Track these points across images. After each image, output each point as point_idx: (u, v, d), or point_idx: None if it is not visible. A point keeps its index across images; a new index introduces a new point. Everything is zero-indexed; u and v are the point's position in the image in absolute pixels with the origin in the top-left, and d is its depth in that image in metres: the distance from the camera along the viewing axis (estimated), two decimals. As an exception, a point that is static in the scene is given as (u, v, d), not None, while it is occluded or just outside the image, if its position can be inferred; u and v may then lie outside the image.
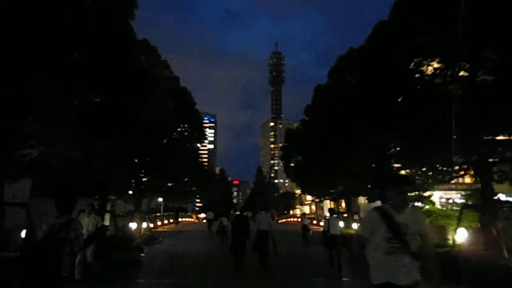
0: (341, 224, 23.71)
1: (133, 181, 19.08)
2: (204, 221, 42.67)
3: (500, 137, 10.49)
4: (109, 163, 12.60)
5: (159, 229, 31.76)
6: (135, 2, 11.28)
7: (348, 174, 18.01)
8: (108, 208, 19.34)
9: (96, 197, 16.90)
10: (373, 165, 16.85)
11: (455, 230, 18.04)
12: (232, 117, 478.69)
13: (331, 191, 25.21)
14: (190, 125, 21.15)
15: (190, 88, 22.77)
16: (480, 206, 10.77)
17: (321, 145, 16.78)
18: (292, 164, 24.78)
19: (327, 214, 13.56)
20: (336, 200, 31.05)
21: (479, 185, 23.48)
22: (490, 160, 10.68)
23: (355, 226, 21.26)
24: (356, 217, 22.48)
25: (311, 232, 18.10)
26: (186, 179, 22.58)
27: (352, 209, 24.88)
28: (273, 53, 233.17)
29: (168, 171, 18.93)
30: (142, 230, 20.54)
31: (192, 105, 21.51)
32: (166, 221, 37.91)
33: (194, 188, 27.46)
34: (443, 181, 15.28)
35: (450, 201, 32.51)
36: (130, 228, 16.11)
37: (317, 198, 40.58)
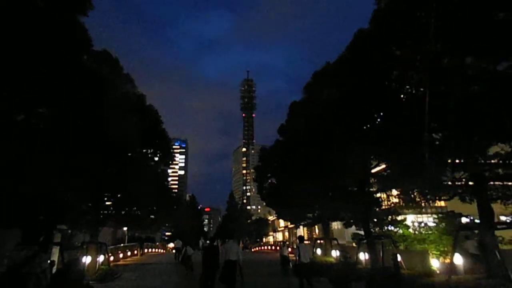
0: (319, 251, 22.54)
1: (88, 206, 16.83)
2: (174, 251, 39.88)
3: (493, 152, 9.72)
4: (45, 183, 10.65)
5: (121, 262, 29.03)
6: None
7: (326, 197, 16.86)
8: (58, 239, 16.91)
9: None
10: (354, 188, 15.82)
11: (440, 256, 17.20)
12: (205, 144, 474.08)
13: (308, 215, 23.91)
14: (155, 146, 19.43)
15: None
16: (480, 227, 9.80)
17: (297, 165, 15.59)
18: (265, 186, 23.28)
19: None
20: (311, 225, 29.72)
21: (449, 209, 23.24)
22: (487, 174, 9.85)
23: (334, 253, 20.00)
24: (334, 243, 21.24)
25: (291, 264, 16.35)
26: (151, 205, 20.46)
27: (329, 235, 23.61)
28: (244, 80, 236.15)
29: (127, 195, 16.89)
30: (98, 264, 18.11)
31: (158, 124, 19.89)
32: (129, 253, 34.93)
33: (158, 215, 25.16)
34: (428, 202, 14.39)
35: (422, 224, 32.40)
36: (79, 263, 13.83)
37: (291, 224, 39.04)
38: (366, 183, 15.83)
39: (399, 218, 26.60)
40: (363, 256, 15.83)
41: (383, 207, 20.26)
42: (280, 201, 20.30)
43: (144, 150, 17.91)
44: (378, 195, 18.08)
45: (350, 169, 14.43)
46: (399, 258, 12.73)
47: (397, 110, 11.44)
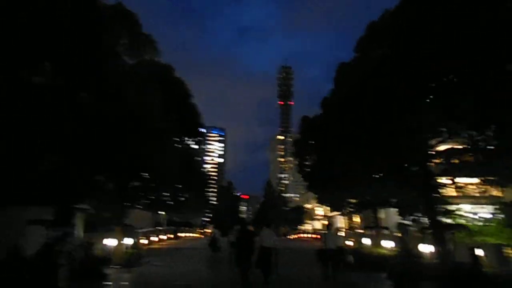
0: (368, 241, 19.88)
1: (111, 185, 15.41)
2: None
3: None
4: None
5: (154, 246, 28.26)
6: None
7: (377, 177, 14.16)
8: (81, 220, 15.76)
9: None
10: (413, 167, 12.94)
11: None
12: (244, 133, 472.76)
13: (352, 200, 21.17)
14: (184, 121, 17.61)
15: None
16: None
17: (343, 137, 12.96)
18: (306, 163, 20.49)
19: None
20: (357, 212, 26.86)
21: (507, 199, 19.84)
22: None
23: (386, 244, 17.26)
24: (385, 232, 18.48)
25: (351, 257, 13.06)
26: (177, 183, 18.77)
27: (378, 223, 20.77)
28: (282, 67, 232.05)
29: (151, 173, 15.22)
30: (124, 248, 16.84)
31: (187, 98, 18.05)
32: (164, 237, 34.20)
33: (186, 196, 23.67)
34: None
35: (477, 215, 29.14)
36: (94, 246, 12.42)
37: (333, 211, 36.27)
38: (428, 163, 12.92)
39: (452, 207, 24.13)
40: (423, 249, 13.04)
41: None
42: (323, 182, 17.70)
43: (171, 126, 16.05)
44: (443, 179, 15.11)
45: (412, 143, 11.66)
46: (480, 252, 9.94)
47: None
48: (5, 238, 10.07)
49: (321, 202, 25.01)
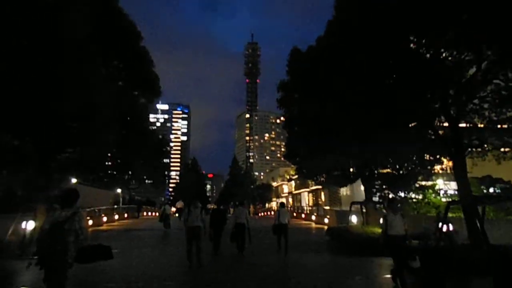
0: (354, 219, 16.86)
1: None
2: (176, 214, 36.51)
3: None
4: None
5: (104, 227, 24.07)
6: None
7: (382, 138, 10.76)
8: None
9: None
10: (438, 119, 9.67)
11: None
12: (209, 111, 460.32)
13: (335, 172, 17.91)
14: (130, 67, 13.31)
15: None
16: None
17: (343, 80, 9.40)
18: (295, 114, 16.32)
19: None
20: (339, 185, 23.87)
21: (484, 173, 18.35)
22: None
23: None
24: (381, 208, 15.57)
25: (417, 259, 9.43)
26: (128, 152, 14.63)
27: (371, 199, 17.78)
28: (248, 43, 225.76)
29: (79, 126, 10.86)
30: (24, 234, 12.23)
31: (135, 39, 13.65)
32: (117, 216, 29.73)
33: (136, 168, 19.60)
34: None
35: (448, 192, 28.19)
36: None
37: (303, 186, 33.35)
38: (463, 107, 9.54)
39: (426, 183, 22.20)
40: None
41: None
42: (308, 143, 14.05)
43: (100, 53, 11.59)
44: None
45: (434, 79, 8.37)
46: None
47: None
48: None
49: (300, 172, 21.57)
